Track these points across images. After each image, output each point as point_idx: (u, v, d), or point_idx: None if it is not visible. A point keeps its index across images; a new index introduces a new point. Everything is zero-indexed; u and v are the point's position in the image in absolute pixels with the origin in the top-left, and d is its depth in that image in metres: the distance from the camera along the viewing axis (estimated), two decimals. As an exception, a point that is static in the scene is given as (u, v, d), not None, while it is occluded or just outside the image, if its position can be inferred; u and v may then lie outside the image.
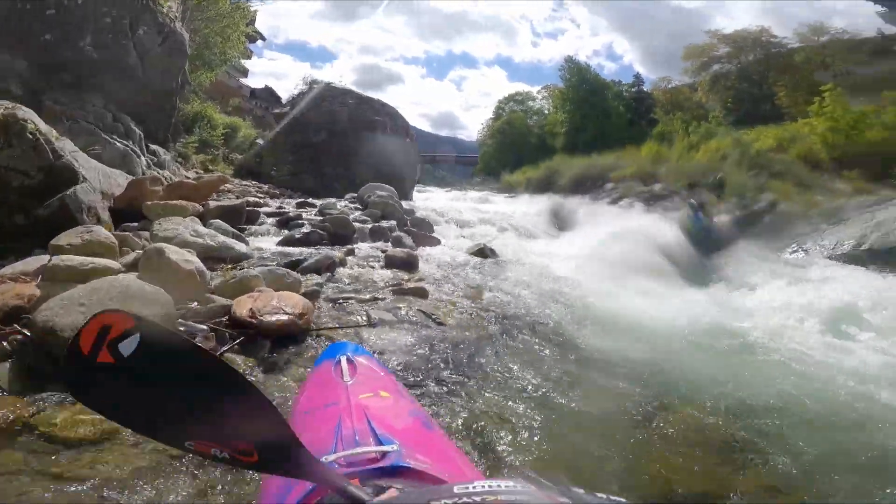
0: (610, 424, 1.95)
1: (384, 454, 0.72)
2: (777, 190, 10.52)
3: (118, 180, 4.69)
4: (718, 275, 5.58)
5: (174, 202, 4.38)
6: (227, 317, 2.52)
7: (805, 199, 9.73)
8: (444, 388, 2.01)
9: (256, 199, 7.09)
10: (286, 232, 4.97)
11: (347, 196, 8.45)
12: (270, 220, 5.47)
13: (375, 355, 1.74)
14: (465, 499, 0.40)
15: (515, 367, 2.33)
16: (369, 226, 5.71)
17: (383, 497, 0.55)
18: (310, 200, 7.36)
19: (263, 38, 22.22)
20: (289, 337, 2.32)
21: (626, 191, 14.52)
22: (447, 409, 1.86)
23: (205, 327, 2.45)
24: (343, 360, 1.18)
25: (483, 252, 5.48)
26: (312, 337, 2.39)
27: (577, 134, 29.92)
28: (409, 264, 4.19)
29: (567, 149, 28.89)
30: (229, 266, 3.42)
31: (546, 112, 38.08)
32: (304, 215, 5.84)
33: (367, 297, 3.02)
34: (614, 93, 31.66)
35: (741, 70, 24.83)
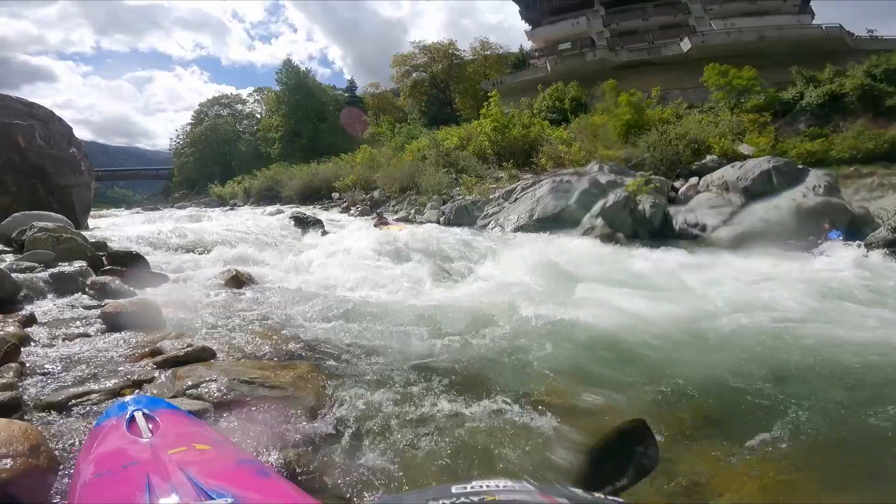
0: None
1: None
2: (465, 183, 13.37)
3: None
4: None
5: None
6: None
7: (483, 188, 12.69)
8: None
9: None
10: None
11: (-30, 235, 5.47)
12: None
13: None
14: (463, 499, 0.40)
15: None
16: (42, 274, 3.84)
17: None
18: None
19: None
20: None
21: (352, 199, 16.03)
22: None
23: None
24: (138, 415, 1.04)
25: (238, 280, 4.58)
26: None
27: (294, 139, 29.35)
28: (145, 319, 3.02)
29: (284, 155, 27.92)
30: None
31: (258, 116, 35.42)
32: None
33: (119, 384, 1.96)
34: (330, 97, 32.54)
35: (432, 78, 29.97)
